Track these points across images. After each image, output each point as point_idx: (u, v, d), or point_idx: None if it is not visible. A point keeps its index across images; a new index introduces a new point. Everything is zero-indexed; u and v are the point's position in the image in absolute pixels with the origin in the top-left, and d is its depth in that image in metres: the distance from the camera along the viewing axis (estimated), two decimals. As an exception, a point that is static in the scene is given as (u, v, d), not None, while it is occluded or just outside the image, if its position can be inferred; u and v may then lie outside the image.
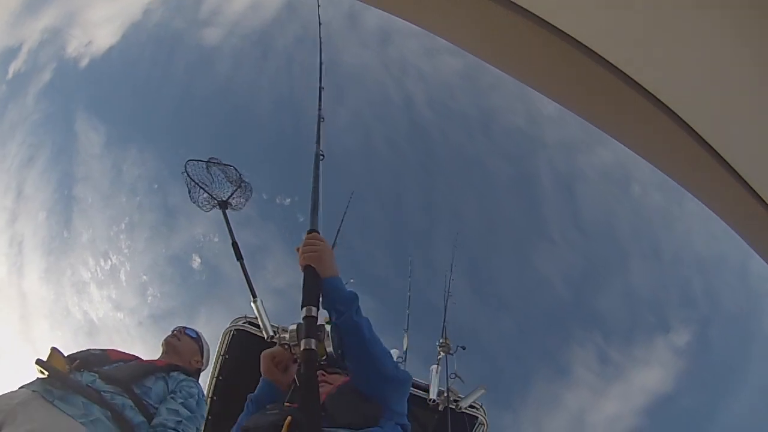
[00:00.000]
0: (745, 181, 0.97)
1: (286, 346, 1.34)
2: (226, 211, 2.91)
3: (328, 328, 1.27)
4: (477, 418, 4.26)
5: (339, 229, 4.34)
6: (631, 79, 0.90)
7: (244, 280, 2.72)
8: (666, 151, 1.03)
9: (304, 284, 1.37)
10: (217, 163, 3.01)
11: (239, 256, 2.95)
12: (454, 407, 4.10)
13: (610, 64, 0.89)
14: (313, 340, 1.21)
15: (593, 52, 0.88)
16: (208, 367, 2.40)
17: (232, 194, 2.97)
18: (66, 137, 12.00)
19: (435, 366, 4.45)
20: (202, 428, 2.00)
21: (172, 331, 2.29)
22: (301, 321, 1.28)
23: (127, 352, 2.09)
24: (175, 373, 2.03)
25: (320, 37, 2.58)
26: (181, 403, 1.90)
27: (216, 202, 2.95)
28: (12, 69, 11.21)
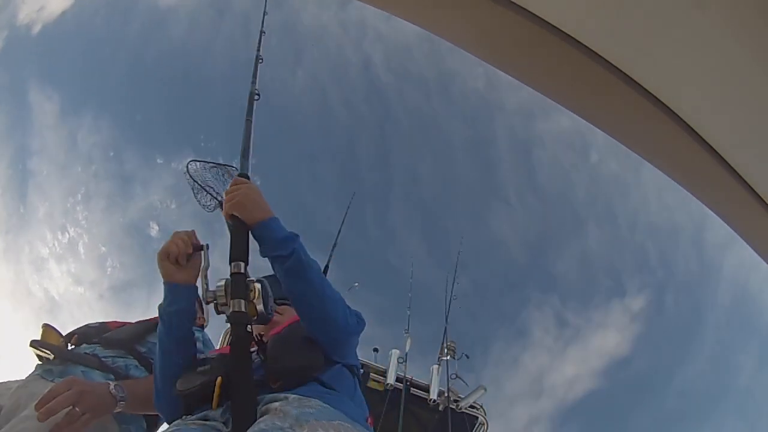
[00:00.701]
0: (745, 181, 0.97)
1: (215, 304, 1.15)
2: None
3: (258, 285, 1.14)
4: (477, 418, 4.27)
5: (339, 230, 4.35)
6: (631, 79, 0.91)
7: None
8: (666, 151, 1.03)
9: (231, 239, 1.20)
10: (219, 163, 3.02)
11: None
12: (454, 407, 4.10)
13: (610, 64, 0.89)
14: (242, 301, 1.09)
15: (593, 52, 0.88)
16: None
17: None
18: (19, 109, 11.63)
19: (435, 366, 4.45)
20: None
21: None
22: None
23: (125, 321, 2.06)
24: None
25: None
26: None
27: (218, 202, 2.96)
28: None
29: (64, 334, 1.83)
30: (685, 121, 0.94)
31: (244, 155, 1.56)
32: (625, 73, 0.90)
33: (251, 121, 1.74)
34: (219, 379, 1.06)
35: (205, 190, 3.02)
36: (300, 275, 1.18)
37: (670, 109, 0.93)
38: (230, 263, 1.16)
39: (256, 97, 1.86)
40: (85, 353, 1.71)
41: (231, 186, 1.30)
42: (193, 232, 1.29)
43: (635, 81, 0.91)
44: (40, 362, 1.70)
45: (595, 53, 0.88)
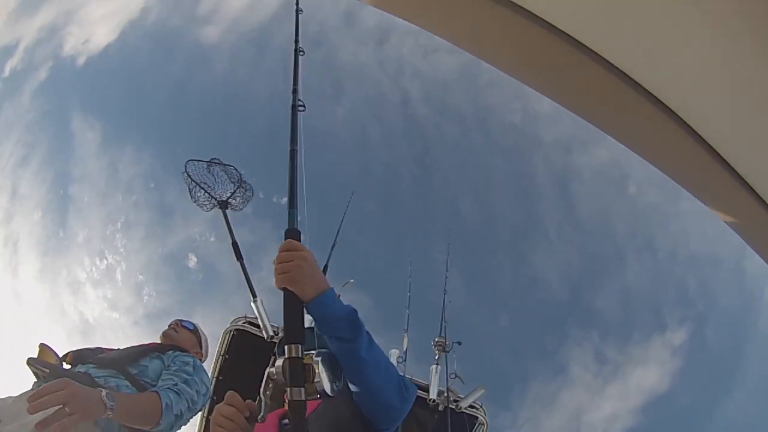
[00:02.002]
0: (744, 181, 0.97)
1: (278, 381, 1.11)
2: (226, 210, 2.92)
3: (317, 359, 1.11)
4: (477, 418, 4.27)
5: (339, 230, 4.35)
6: (631, 79, 0.91)
7: (244, 280, 2.71)
8: (666, 151, 1.03)
9: (284, 315, 1.13)
10: (218, 163, 3.02)
11: (239, 256, 2.96)
12: (454, 407, 4.10)
13: (610, 64, 0.89)
14: (300, 389, 1.04)
15: (593, 52, 0.88)
16: (207, 359, 2.39)
17: (232, 194, 2.98)
18: (62, 136, 11.95)
19: (435, 366, 4.46)
20: (203, 398, 1.92)
21: (169, 325, 2.30)
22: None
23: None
24: (170, 351, 2.01)
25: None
26: (175, 371, 1.88)
27: (216, 201, 2.96)
28: (8, 67, 11.07)
29: (60, 355, 1.87)
30: (684, 121, 0.94)
31: (291, 201, 1.25)
32: (625, 73, 0.90)
33: (296, 151, 1.31)
34: None
35: (203, 190, 3.02)
36: (356, 355, 1.14)
37: (670, 109, 0.93)
38: (285, 344, 1.09)
39: (301, 108, 1.42)
40: (79, 372, 1.75)
41: (281, 253, 1.14)
42: (247, 403, 1.12)
43: (635, 81, 0.91)
44: (36, 379, 1.73)
45: (596, 53, 0.88)
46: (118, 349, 2.00)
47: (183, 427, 1.94)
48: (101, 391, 1.51)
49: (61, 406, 1.35)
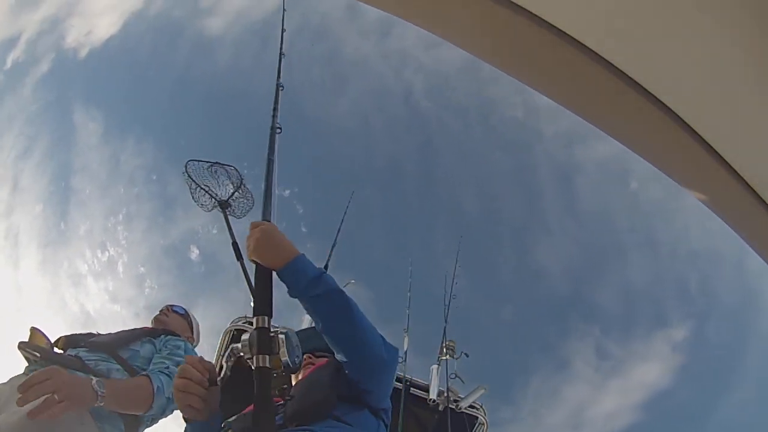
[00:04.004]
0: (745, 181, 0.97)
1: (244, 358, 1.15)
2: (227, 211, 2.91)
3: (282, 337, 1.13)
4: (477, 418, 4.26)
5: (339, 229, 4.35)
6: (631, 79, 0.91)
7: (244, 280, 2.70)
8: (666, 151, 1.03)
9: (254, 287, 1.19)
10: (218, 163, 3.02)
11: (239, 256, 2.95)
12: (454, 407, 4.10)
13: (610, 64, 0.89)
14: (267, 357, 1.09)
15: (593, 52, 0.88)
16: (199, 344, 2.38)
17: (232, 194, 2.98)
18: (64, 128, 11.93)
19: (435, 366, 4.45)
20: None
21: (160, 310, 2.27)
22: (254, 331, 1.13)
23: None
24: (162, 335, 2.01)
25: (284, 2, 2.43)
26: (167, 354, 1.87)
27: (216, 202, 2.96)
28: (10, 59, 11.10)
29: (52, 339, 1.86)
30: (685, 121, 0.94)
31: (266, 199, 1.44)
32: (625, 73, 0.90)
33: (273, 160, 1.57)
34: None
35: (203, 189, 3.02)
36: (333, 311, 1.18)
37: (670, 109, 0.93)
38: (254, 316, 1.15)
39: (278, 130, 1.68)
40: (69, 356, 1.75)
41: (250, 230, 1.25)
42: (207, 363, 1.20)
43: (635, 81, 0.91)
44: (28, 364, 1.73)
45: (595, 53, 0.88)
46: (110, 333, 1.99)
47: (175, 411, 1.96)
48: (91, 378, 1.51)
49: (51, 394, 1.35)
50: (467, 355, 4.73)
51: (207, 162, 3.02)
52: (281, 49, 2.16)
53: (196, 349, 2.20)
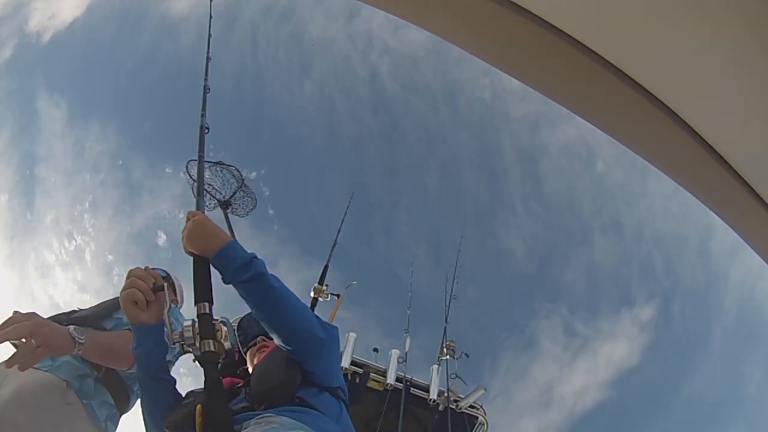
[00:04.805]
0: (745, 180, 0.97)
1: (182, 344, 1.18)
2: (227, 210, 2.93)
3: (222, 326, 1.19)
4: (477, 418, 4.27)
5: (339, 229, 4.35)
6: (631, 79, 0.91)
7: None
8: (665, 151, 1.03)
9: (193, 276, 1.22)
10: (220, 163, 3.03)
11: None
12: (454, 407, 4.10)
13: (610, 64, 0.89)
14: (211, 341, 1.12)
15: (593, 52, 0.88)
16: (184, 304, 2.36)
17: (233, 194, 2.99)
18: (27, 115, 11.52)
19: (435, 366, 4.45)
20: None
21: None
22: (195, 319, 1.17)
23: None
24: None
25: (210, 7, 2.56)
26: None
27: (217, 201, 2.97)
28: None
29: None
30: (684, 121, 0.94)
31: (199, 192, 1.55)
32: (625, 73, 0.90)
33: (203, 157, 1.69)
34: (198, 407, 1.09)
35: (205, 189, 3.02)
36: (263, 294, 1.20)
37: (670, 109, 0.93)
38: (195, 304, 1.19)
39: (206, 130, 1.78)
40: None
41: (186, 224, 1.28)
42: (151, 270, 1.27)
43: (635, 81, 0.91)
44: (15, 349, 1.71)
45: (595, 53, 0.88)
46: (91, 306, 1.94)
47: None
48: (69, 326, 1.46)
49: (28, 338, 1.31)
50: (467, 356, 4.74)
51: (208, 162, 3.03)
52: (208, 53, 2.22)
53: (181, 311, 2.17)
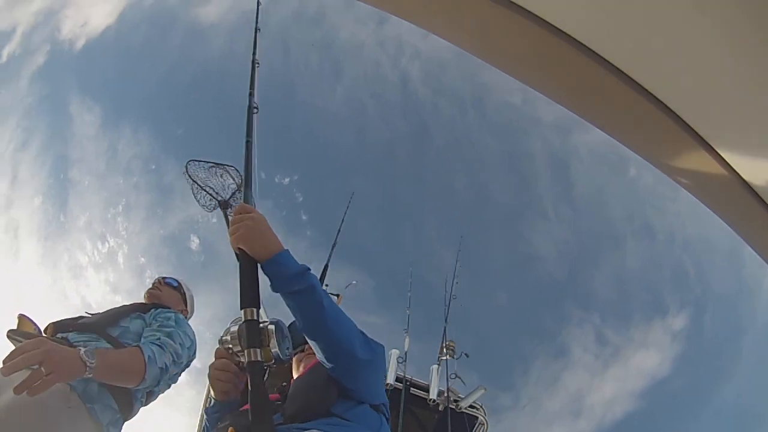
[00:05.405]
0: (744, 180, 0.98)
1: (230, 352, 1.15)
2: (227, 211, 2.92)
3: (271, 328, 1.12)
4: (477, 418, 4.27)
5: (339, 229, 4.35)
6: (631, 78, 0.91)
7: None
8: (665, 150, 1.03)
9: (239, 279, 1.16)
10: (219, 163, 3.02)
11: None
12: (454, 407, 4.10)
13: (610, 64, 0.90)
14: (258, 350, 1.07)
15: (593, 52, 0.88)
16: (193, 315, 2.33)
17: (233, 194, 2.99)
18: (60, 120, 11.90)
19: (435, 366, 4.46)
20: (188, 352, 1.87)
21: (153, 283, 2.20)
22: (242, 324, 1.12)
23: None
24: (152, 310, 1.95)
25: None
26: (158, 326, 1.82)
27: (217, 202, 2.96)
28: (5, 52, 11.02)
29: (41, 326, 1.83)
30: (684, 121, 0.94)
31: (247, 183, 1.40)
32: (625, 73, 0.90)
33: (251, 142, 1.50)
34: (230, 430, 1.06)
35: (204, 190, 3.02)
36: (312, 308, 1.16)
37: (670, 109, 0.93)
38: (241, 308, 1.12)
39: (255, 110, 1.60)
40: (57, 339, 1.69)
41: (234, 216, 1.22)
42: (228, 364, 1.24)
43: (635, 81, 0.91)
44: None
45: (595, 53, 0.88)
46: (98, 313, 1.94)
47: (173, 385, 1.90)
48: (80, 349, 1.45)
49: (37, 366, 1.30)
50: (467, 355, 4.73)
51: (207, 162, 3.03)
52: (257, 23, 2.05)
53: (190, 321, 2.15)
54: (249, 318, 1.11)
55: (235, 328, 1.13)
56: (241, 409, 1.29)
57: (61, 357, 1.38)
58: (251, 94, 1.64)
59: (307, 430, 1.07)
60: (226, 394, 1.24)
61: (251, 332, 1.09)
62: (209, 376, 1.25)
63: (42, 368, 1.31)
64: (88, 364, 1.42)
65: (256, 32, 2.02)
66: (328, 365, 1.22)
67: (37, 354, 1.32)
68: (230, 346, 1.14)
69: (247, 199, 1.38)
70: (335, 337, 1.18)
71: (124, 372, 1.60)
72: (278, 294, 1.19)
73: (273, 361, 1.12)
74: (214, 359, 1.24)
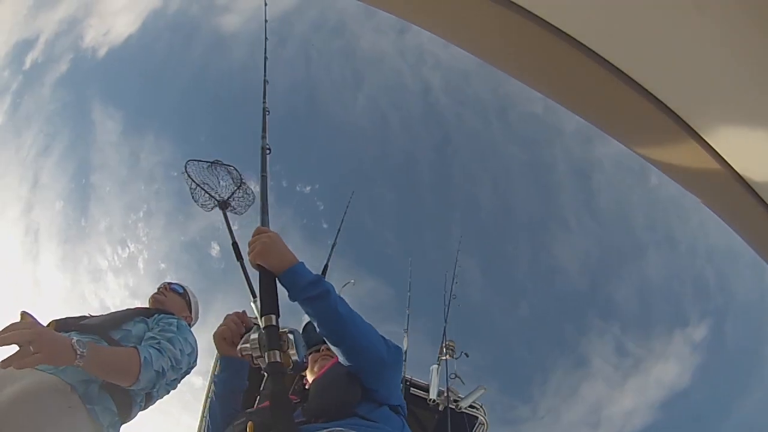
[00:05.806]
0: (745, 181, 0.97)
1: (249, 357, 1.23)
2: (227, 211, 2.91)
3: (291, 336, 1.19)
4: (477, 418, 4.27)
5: (339, 229, 4.35)
6: (631, 79, 0.91)
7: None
8: (666, 151, 1.03)
9: (259, 289, 1.29)
10: (218, 163, 3.02)
11: (239, 257, 2.96)
12: (454, 407, 4.10)
13: (610, 64, 0.89)
14: (277, 352, 1.15)
15: (593, 52, 0.88)
16: (198, 322, 2.32)
17: (232, 194, 2.98)
18: (83, 126, 12.05)
19: (435, 366, 4.46)
20: (188, 358, 1.90)
21: (158, 288, 2.21)
22: (263, 331, 1.21)
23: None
24: (156, 315, 1.96)
25: (266, 23, 2.56)
26: (159, 331, 1.83)
27: (216, 202, 2.96)
28: (29, 59, 11.20)
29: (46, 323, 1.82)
30: (685, 121, 0.94)
31: (263, 210, 1.57)
32: (625, 73, 0.90)
33: (266, 177, 1.73)
34: (250, 424, 1.11)
35: (204, 190, 3.01)
36: (330, 313, 1.24)
37: (670, 109, 0.93)
38: (261, 316, 1.23)
39: (268, 151, 1.84)
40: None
41: (253, 236, 1.37)
42: (243, 313, 1.44)
43: (635, 81, 0.91)
44: None
45: (595, 53, 0.88)
46: (101, 315, 1.95)
47: (172, 391, 1.90)
48: (72, 337, 1.46)
49: (26, 345, 1.32)
50: (467, 355, 4.73)
51: (206, 162, 3.02)
52: (265, 75, 2.25)
53: (193, 329, 2.14)
54: (269, 324, 1.21)
55: (254, 336, 1.23)
56: (259, 406, 1.36)
57: (52, 339, 1.39)
58: (263, 137, 1.90)
59: (348, 429, 1.11)
60: (229, 346, 1.37)
61: (271, 336, 1.19)
62: (217, 329, 1.41)
63: (31, 347, 1.32)
64: (78, 352, 1.43)
65: (265, 84, 2.22)
66: (350, 366, 1.27)
67: (26, 333, 1.33)
68: (250, 353, 1.22)
69: (264, 224, 1.53)
70: (358, 342, 1.25)
71: (116, 369, 1.60)
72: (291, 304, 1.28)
73: (291, 366, 1.19)
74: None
